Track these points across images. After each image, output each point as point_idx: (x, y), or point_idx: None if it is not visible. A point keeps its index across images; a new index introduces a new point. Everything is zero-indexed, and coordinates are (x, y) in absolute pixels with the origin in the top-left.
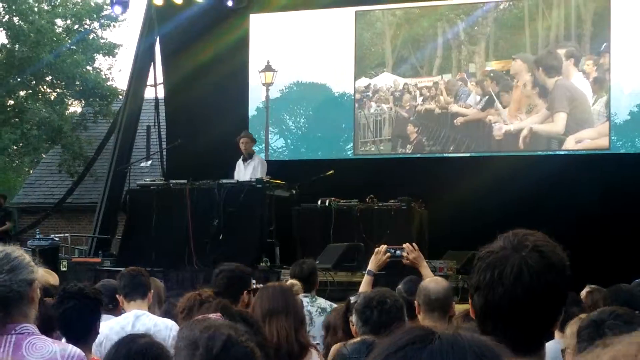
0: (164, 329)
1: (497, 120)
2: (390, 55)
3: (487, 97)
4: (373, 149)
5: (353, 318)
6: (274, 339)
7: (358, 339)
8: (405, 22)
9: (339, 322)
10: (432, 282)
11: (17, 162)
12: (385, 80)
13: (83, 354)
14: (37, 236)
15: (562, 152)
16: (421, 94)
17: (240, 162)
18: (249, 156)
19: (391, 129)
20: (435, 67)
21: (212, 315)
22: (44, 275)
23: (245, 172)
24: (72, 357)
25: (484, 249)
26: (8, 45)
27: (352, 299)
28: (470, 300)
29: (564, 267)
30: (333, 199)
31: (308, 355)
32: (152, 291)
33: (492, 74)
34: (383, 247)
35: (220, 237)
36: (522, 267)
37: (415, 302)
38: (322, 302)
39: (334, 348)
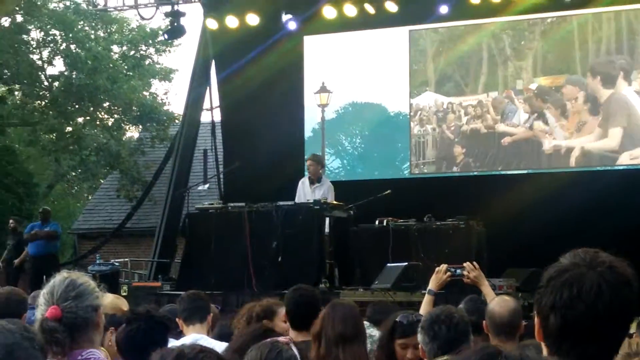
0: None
1: (546, 137)
2: (432, 74)
3: (535, 114)
4: (416, 171)
5: (419, 337)
6: None
7: (444, 357)
8: (448, 39)
9: (384, 343)
10: (497, 305)
11: (76, 188)
12: (428, 100)
13: None
14: (98, 261)
15: (617, 168)
16: (466, 113)
17: (306, 182)
18: (317, 180)
19: (435, 151)
20: (480, 85)
21: (282, 339)
22: (116, 302)
23: (312, 194)
24: None
25: (551, 268)
26: (66, 73)
27: (399, 318)
28: (539, 321)
29: (636, 281)
30: (390, 218)
31: None
32: (212, 314)
33: (539, 90)
34: (444, 266)
35: (279, 260)
36: (601, 284)
37: (484, 322)
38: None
39: None
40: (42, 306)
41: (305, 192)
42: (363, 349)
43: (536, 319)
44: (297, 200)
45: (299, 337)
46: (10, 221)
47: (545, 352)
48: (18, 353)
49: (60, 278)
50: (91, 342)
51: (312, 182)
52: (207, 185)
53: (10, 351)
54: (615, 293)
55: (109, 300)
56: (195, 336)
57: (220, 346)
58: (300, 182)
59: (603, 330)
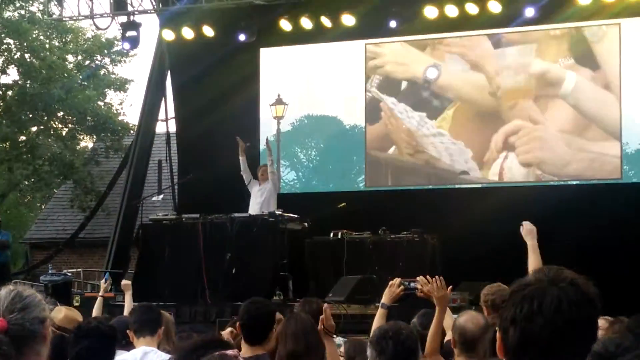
0: None
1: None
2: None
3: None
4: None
5: (368, 351)
6: None
7: None
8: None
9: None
10: (468, 321)
11: (29, 197)
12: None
13: None
14: (50, 271)
15: (571, 182)
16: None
17: (255, 182)
18: (264, 181)
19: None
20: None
21: (230, 352)
22: (71, 315)
23: (259, 192)
24: None
25: (516, 282)
26: (20, 82)
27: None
28: (500, 335)
29: (598, 300)
30: (345, 231)
31: None
32: (163, 327)
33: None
34: (397, 280)
35: (233, 271)
36: (561, 299)
37: (452, 336)
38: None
39: None
40: None
41: (254, 190)
42: None
43: (498, 333)
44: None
45: (250, 352)
46: None
47: None
48: None
49: (6, 290)
50: (38, 354)
51: (260, 182)
52: (161, 196)
53: None
54: (577, 309)
55: (64, 314)
56: (145, 349)
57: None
58: (251, 182)
59: (562, 345)
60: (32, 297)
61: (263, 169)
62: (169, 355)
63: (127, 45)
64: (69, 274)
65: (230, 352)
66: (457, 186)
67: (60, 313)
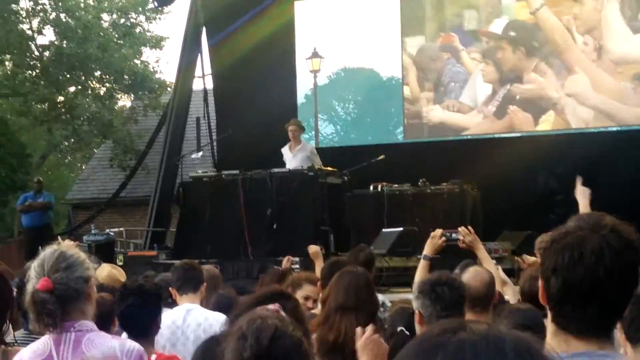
0: (215, 323)
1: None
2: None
3: None
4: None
5: (416, 303)
6: (341, 337)
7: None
8: None
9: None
10: (472, 279)
11: (69, 158)
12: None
13: (142, 348)
14: (93, 231)
15: (613, 129)
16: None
17: (287, 149)
18: (296, 143)
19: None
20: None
21: (271, 306)
22: (114, 273)
23: (294, 159)
24: (131, 353)
25: (556, 230)
26: (56, 43)
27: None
28: (542, 283)
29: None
30: (385, 183)
31: None
32: (205, 284)
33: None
34: (439, 231)
35: (274, 227)
36: (602, 247)
37: None
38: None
39: None
40: (33, 279)
41: (287, 157)
42: (362, 319)
43: (540, 282)
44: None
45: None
46: None
47: (549, 315)
48: None
49: (50, 250)
50: (83, 313)
51: (291, 148)
52: (200, 153)
53: None
54: (617, 257)
55: (107, 272)
56: (188, 306)
57: (213, 317)
58: (282, 150)
59: (604, 293)
60: (76, 257)
61: (294, 129)
62: (212, 312)
63: (163, 2)
64: (112, 233)
65: (271, 306)
66: (496, 136)
67: (103, 271)
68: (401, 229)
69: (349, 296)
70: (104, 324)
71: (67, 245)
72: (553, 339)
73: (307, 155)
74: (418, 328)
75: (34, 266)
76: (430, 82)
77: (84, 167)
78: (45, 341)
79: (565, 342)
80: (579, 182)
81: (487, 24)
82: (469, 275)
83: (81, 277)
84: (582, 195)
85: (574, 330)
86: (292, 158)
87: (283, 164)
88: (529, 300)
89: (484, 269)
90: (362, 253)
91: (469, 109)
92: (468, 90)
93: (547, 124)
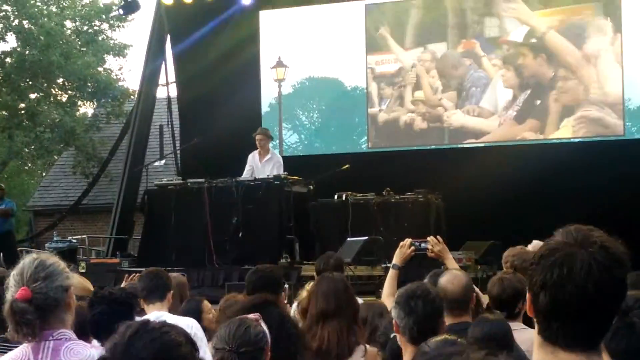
0: (185, 327)
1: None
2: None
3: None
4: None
5: (393, 312)
6: (324, 344)
7: (441, 337)
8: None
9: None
10: (449, 282)
11: (30, 165)
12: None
13: None
14: (55, 238)
15: (574, 140)
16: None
17: (256, 156)
18: (265, 152)
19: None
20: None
21: (251, 316)
22: (83, 283)
23: (262, 168)
24: None
25: (543, 245)
26: (19, 49)
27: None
28: (530, 298)
29: (628, 261)
30: (349, 193)
31: (357, 350)
32: (172, 291)
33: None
34: (408, 240)
35: (240, 235)
36: (591, 264)
37: None
38: None
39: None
40: (12, 287)
41: (256, 165)
42: (344, 324)
43: (528, 295)
44: (245, 173)
45: None
46: None
47: (536, 328)
48: None
49: (29, 259)
50: (62, 322)
51: (260, 155)
52: (163, 161)
53: None
54: (607, 273)
55: (76, 281)
56: (156, 314)
57: (184, 322)
58: (250, 156)
59: (593, 310)
60: (56, 266)
61: (261, 138)
62: (182, 317)
63: (128, 10)
64: (74, 241)
65: (250, 315)
66: (459, 146)
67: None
68: (366, 237)
69: (329, 302)
70: (82, 332)
71: (46, 255)
72: (540, 351)
73: (275, 166)
74: (398, 337)
75: (12, 274)
76: (452, 88)
77: (45, 174)
78: (23, 350)
79: (552, 353)
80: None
81: (507, 32)
82: (446, 279)
83: (61, 286)
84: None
85: (562, 343)
86: (261, 167)
87: (243, 169)
88: (498, 305)
89: (460, 272)
90: (331, 259)
91: (490, 114)
92: (489, 95)
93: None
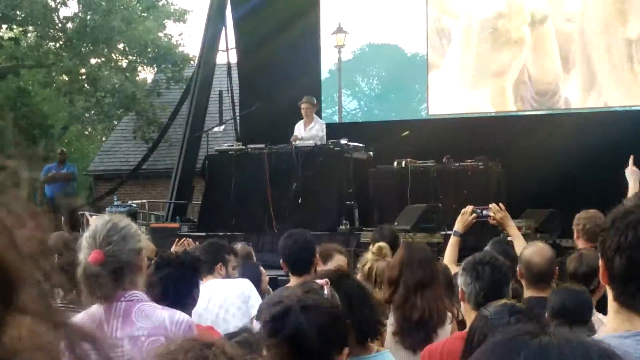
0: (241, 288)
1: None
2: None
3: None
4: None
5: (459, 279)
6: (425, 314)
7: (501, 302)
8: None
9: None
10: (535, 254)
11: (90, 129)
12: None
13: (192, 320)
14: (115, 203)
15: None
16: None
17: (300, 125)
18: (309, 121)
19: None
20: None
21: (320, 281)
22: (149, 244)
23: (305, 135)
24: (180, 324)
25: (615, 210)
26: (80, 15)
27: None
28: (603, 263)
29: None
30: (409, 160)
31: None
32: (219, 263)
33: None
34: (469, 207)
35: (299, 201)
36: None
37: (518, 267)
38: None
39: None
40: (85, 250)
41: (300, 133)
42: (439, 291)
43: (600, 262)
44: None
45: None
46: None
47: (610, 295)
48: None
49: (102, 221)
50: (134, 284)
51: (305, 124)
52: (222, 127)
53: None
54: None
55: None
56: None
57: (238, 284)
58: (296, 126)
59: None
60: (128, 228)
61: (307, 107)
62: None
63: None
64: (134, 205)
65: (320, 281)
66: (520, 113)
67: None
68: (425, 205)
69: (425, 271)
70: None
71: (119, 217)
72: (616, 318)
73: (318, 133)
74: (462, 305)
75: (85, 236)
76: None
77: (105, 139)
78: (95, 310)
79: (628, 320)
80: (631, 161)
81: None
82: (531, 251)
83: (133, 248)
84: (633, 175)
85: (638, 309)
86: (306, 135)
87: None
88: (573, 281)
89: (545, 244)
90: (385, 230)
91: None
92: None
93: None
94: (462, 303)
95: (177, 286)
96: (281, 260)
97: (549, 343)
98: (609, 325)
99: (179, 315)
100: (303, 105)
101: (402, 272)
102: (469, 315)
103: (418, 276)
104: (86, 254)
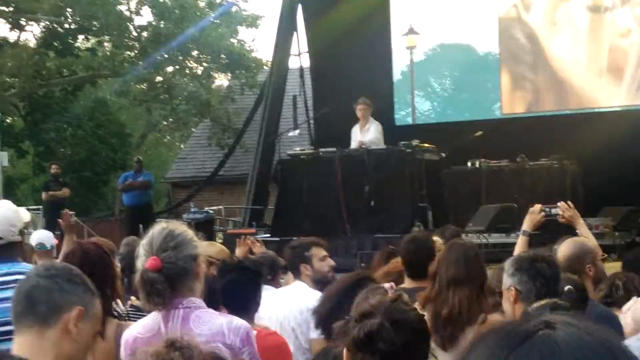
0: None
1: None
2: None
3: None
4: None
5: (512, 280)
6: (455, 310)
7: (543, 301)
8: None
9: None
10: (559, 250)
11: (168, 137)
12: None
13: (249, 326)
14: (192, 209)
15: None
16: None
17: (356, 128)
18: (365, 122)
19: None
20: None
21: (386, 285)
22: (224, 249)
23: (363, 138)
24: (238, 329)
25: None
26: (154, 23)
27: None
28: None
29: None
30: (483, 160)
31: (479, 319)
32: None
33: None
34: (537, 206)
35: (372, 204)
36: None
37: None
38: None
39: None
40: (142, 257)
41: (356, 138)
42: (474, 291)
43: None
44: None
45: (414, 284)
46: (53, 166)
47: None
48: (37, 295)
49: (158, 229)
50: (191, 291)
51: (361, 127)
52: (297, 131)
53: (28, 296)
54: None
55: (219, 248)
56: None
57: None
58: (352, 131)
59: None
60: (184, 235)
61: (364, 108)
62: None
63: None
64: (211, 212)
65: (386, 285)
66: (596, 110)
67: (214, 247)
68: (500, 205)
69: (460, 268)
70: (212, 300)
71: (175, 224)
72: None
73: (376, 135)
74: (511, 307)
75: (142, 244)
76: None
77: (182, 146)
78: (154, 317)
79: None
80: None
81: None
82: (560, 246)
83: (189, 255)
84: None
85: None
86: (361, 138)
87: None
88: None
89: (579, 239)
90: (446, 231)
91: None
92: None
93: None
94: (513, 305)
95: (240, 292)
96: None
97: (556, 333)
98: None
99: (237, 321)
100: (360, 107)
101: (438, 268)
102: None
103: (451, 272)
104: (143, 261)
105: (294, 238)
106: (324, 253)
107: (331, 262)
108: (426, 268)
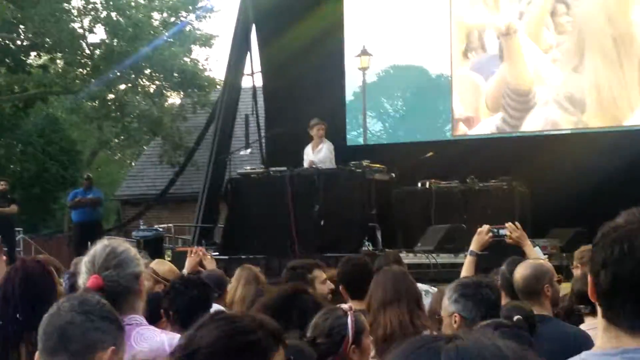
0: None
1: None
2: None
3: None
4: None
5: (455, 307)
6: (388, 329)
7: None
8: None
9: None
10: (517, 272)
11: (119, 155)
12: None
13: None
14: (142, 227)
15: None
16: None
17: (309, 149)
18: (318, 143)
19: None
20: None
21: (344, 306)
22: (174, 268)
23: (315, 158)
24: None
25: (605, 226)
26: (107, 40)
27: None
28: (591, 279)
29: None
30: (433, 180)
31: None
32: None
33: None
34: (485, 227)
35: (322, 223)
36: None
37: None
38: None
39: None
40: (84, 275)
41: (308, 157)
42: (404, 310)
43: (589, 278)
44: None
45: (357, 306)
46: (1, 182)
47: (599, 311)
48: (71, 331)
49: (100, 246)
50: (133, 308)
51: (313, 147)
52: (249, 150)
53: (62, 333)
54: None
55: (169, 267)
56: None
57: None
58: (304, 151)
59: None
60: (127, 253)
61: (321, 128)
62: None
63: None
64: (160, 229)
65: (344, 306)
66: (544, 133)
67: (164, 265)
68: (449, 225)
69: (388, 290)
70: (153, 317)
71: (117, 241)
72: (604, 335)
73: (328, 155)
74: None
75: (84, 261)
76: None
77: (133, 164)
78: None
79: (616, 338)
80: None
81: None
82: (518, 268)
83: (132, 273)
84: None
85: (625, 325)
86: (313, 156)
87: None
88: (580, 300)
89: (536, 261)
90: (390, 256)
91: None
92: None
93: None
94: (456, 330)
95: (188, 309)
96: (340, 287)
97: (465, 345)
98: (597, 343)
99: (178, 338)
100: (318, 126)
101: (370, 296)
102: None
103: (379, 296)
104: (85, 279)
105: (242, 257)
106: (325, 276)
107: (331, 285)
108: (364, 289)
